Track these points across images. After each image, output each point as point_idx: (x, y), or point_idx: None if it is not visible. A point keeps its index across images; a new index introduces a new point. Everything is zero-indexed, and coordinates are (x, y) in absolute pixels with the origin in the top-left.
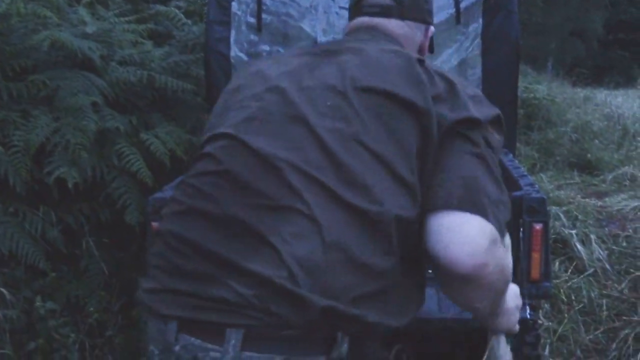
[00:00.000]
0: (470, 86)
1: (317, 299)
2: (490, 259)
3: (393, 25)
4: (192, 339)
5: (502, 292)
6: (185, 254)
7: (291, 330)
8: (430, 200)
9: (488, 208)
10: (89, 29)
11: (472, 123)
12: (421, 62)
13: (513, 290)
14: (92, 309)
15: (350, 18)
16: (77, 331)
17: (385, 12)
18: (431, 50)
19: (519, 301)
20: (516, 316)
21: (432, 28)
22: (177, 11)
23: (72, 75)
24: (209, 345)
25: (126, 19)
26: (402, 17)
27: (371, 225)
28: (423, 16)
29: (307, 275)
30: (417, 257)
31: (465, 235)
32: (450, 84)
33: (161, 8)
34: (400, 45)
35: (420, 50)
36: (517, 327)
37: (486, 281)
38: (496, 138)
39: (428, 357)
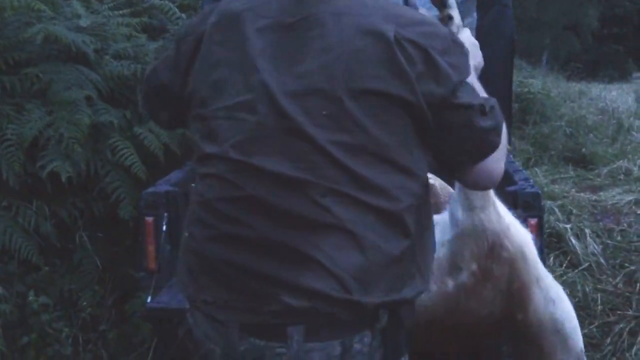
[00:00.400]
0: (437, 37)
1: (369, 299)
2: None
3: None
4: (257, 340)
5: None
6: (236, 277)
7: (342, 319)
8: (447, 163)
9: (495, 141)
10: (83, 23)
11: (458, 87)
12: (397, 40)
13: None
14: (85, 303)
15: None
16: (71, 326)
17: None
18: None
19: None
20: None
21: None
22: (171, 5)
23: (65, 69)
24: (274, 344)
25: (120, 12)
26: None
27: (393, 220)
28: None
29: (355, 281)
30: (428, 225)
31: (489, 180)
32: (425, 53)
33: (155, 1)
34: None
35: None
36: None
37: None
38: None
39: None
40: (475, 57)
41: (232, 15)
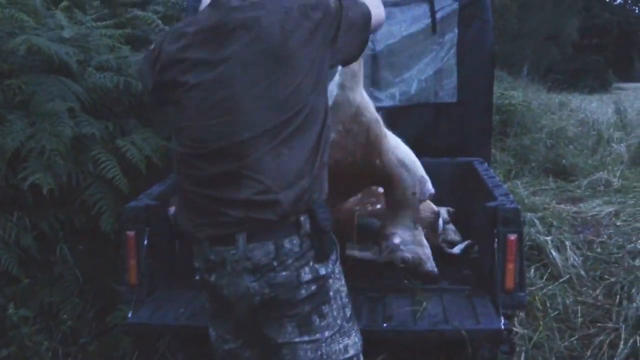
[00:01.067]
0: None
1: (284, 197)
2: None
3: None
4: (219, 248)
5: None
6: (202, 204)
7: (272, 224)
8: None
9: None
10: (66, 34)
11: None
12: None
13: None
14: (65, 316)
15: None
16: (51, 338)
17: None
18: None
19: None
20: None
21: None
22: (154, 17)
23: (48, 80)
24: (229, 248)
25: (104, 23)
26: None
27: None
28: None
29: (274, 181)
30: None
31: (378, 23)
32: None
33: (139, 13)
34: None
35: None
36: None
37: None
38: None
39: None
40: None
41: None
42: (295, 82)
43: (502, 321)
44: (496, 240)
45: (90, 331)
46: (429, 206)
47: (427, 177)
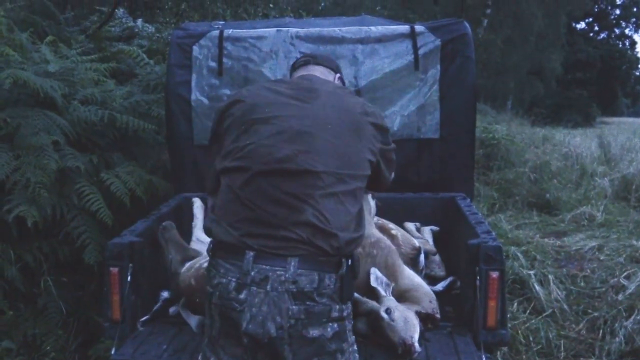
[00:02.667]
0: None
1: (342, 234)
2: None
3: (313, 69)
4: (263, 265)
5: None
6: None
7: (322, 256)
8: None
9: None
10: (52, 68)
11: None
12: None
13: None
14: (49, 348)
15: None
16: None
17: (305, 62)
18: None
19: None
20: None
21: (340, 77)
22: (139, 51)
23: (33, 114)
24: (276, 268)
25: (89, 57)
26: (317, 64)
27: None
28: (332, 66)
29: (333, 219)
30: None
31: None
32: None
33: (123, 47)
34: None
35: None
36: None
37: None
38: None
39: None
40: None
41: None
42: (362, 154)
43: (483, 359)
44: (478, 277)
45: None
46: (409, 242)
47: (434, 297)
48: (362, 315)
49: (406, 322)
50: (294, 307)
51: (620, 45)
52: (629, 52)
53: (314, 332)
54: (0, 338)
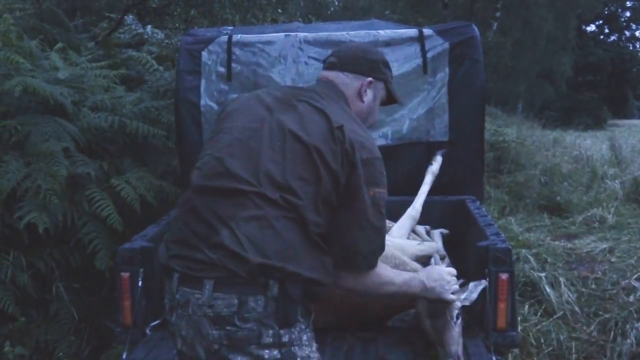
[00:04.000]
0: None
1: (256, 260)
2: None
3: (334, 76)
4: (185, 288)
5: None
6: (184, 235)
7: (240, 278)
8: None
9: None
10: (61, 75)
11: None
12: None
13: (427, 273)
14: (61, 354)
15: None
16: None
17: (330, 66)
18: (390, 102)
19: (438, 281)
20: (438, 291)
21: (372, 80)
22: (149, 57)
23: (43, 121)
24: (195, 291)
25: (98, 64)
26: (341, 70)
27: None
28: (361, 69)
29: (251, 244)
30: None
31: None
32: None
33: (133, 53)
34: (338, 91)
35: (359, 94)
36: (447, 295)
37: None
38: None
39: None
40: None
41: None
42: (308, 184)
43: None
44: (487, 279)
45: None
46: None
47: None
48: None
49: (460, 336)
50: (214, 332)
51: (631, 48)
52: (639, 54)
53: (242, 359)
54: (13, 344)
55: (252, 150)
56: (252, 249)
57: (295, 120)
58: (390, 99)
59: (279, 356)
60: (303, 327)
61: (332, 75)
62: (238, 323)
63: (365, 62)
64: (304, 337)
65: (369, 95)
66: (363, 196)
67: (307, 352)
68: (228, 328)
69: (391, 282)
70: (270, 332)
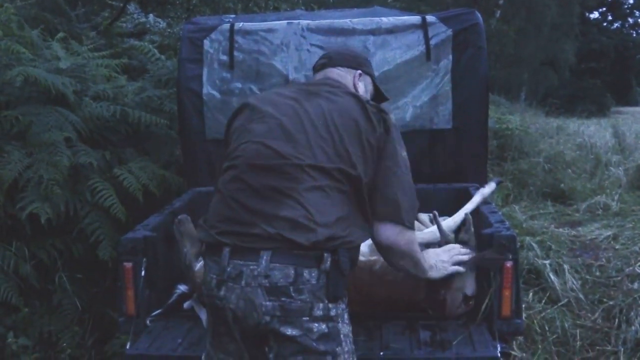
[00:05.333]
0: None
1: (323, 230)
2: None
3: (329, 72)
4: (238, 260)
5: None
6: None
7: (298, 249)
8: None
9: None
10: (63, 64)
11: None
12: None
13: (431, 253)
14: (65, 344)
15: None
16: None
17: (322, 67)
18: (377, 98)
19: (441, 258)
20: (439, 268)
21: (361, 73)
22: (150, 46)
23: (45, 111)
24: (249, 262)
25: (100, 53)
26: (333, 66)
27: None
28: (349, 64)
29: (318, 213)
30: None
31: None
32: None
33: (135, 43)
34: (340, 83)
35: (354, 86)
36: (449, 269)
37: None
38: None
39: None
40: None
41: None
42: (357, 152)
43: (499, 348)
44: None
45: (90, 359)
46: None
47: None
48: None
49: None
50: (267, 303)
51: (634, 35)
52: None
53: (293, 331)
54: (16, 335)
55: (295, 132)
56: (319, 216)
57: (326, 102)
58: (377, 96)
59: (326, 330)
60: (344, 305)
61: (328, 71)
62: (293, 294)
63: (352, 58)
64: (345, 315)
65: (361, 87)
66: (398, 156)
67: (347, 330)
68: (283, 299)
69: (418, 251)
70: (321, 305)
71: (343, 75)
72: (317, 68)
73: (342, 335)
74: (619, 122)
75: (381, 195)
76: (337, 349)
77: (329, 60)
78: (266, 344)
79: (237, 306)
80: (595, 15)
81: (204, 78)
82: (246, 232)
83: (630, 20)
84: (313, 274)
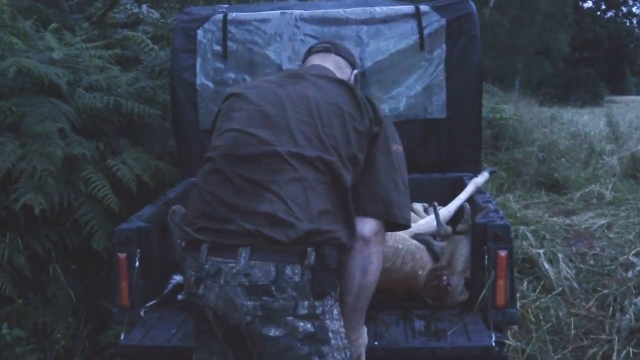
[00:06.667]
0: None
1: (303, 224)
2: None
3: (331, 58)
4: (216, 258)
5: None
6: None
7: (278, 245)
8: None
9: None
10: (56, 55)
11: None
12: None
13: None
14: (59, 335)
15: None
16: (45, 358)
17: (326, 49)
18: None
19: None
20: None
21: (355, 75)
22: (144, 37)
23: (38, 102)
24: (227, 260)
25: (93, 44)
26: (338, 54)
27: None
28: (349, 60)
29: (297, 206)
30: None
31: None
32: None
33: (128, 33)
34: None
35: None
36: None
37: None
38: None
39: None
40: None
41: None
42: (341, 138)
43: (493, 338)
44: (486, 256)
45: (84, 350)
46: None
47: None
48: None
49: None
50: (248, 302)
51: (628, 24)
52: (636, 30)
53: (276, 332)
54: (11, 326)
55: (277, 117)
56: (299, 210)
57: (312, 88)
58: None
59: (312, 330)
60: (332, 301)
61: (330, 56)
62: (275, 293)
63: (351, 56)
64: (335, 311)
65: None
66: (389, 150)
67: (337, 326)
68: (265, 298)
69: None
70: (306, 303)
71: (343, 67)
72: (316, 49)
73: (330, 333)
74: (612, 111)
75: (371, 194)
76: (323, 348)
77: (334, 46)
78: (251, 343)
79: (216, 305)
80: (589, 4)
81: (198, 68)
82: (224, 228)
83: (624, 9)
84: (296, 271)
